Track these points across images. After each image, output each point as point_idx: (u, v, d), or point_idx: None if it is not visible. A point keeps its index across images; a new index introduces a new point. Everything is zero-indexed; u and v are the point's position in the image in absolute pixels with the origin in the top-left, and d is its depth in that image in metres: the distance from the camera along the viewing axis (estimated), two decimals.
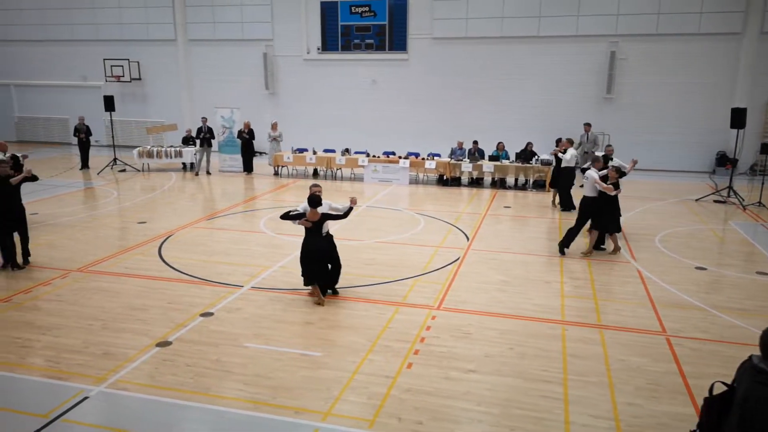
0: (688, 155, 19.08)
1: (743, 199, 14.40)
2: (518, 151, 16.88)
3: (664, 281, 8.93)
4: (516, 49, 19.80)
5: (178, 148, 18.89)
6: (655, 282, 8.91)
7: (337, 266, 8.12)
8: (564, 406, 5.51)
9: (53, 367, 6.15)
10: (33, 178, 9.54)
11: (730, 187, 14.79)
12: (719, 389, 3.47)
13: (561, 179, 13.61)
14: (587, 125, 16.88)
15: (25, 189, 15.55)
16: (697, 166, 19.11)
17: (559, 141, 14.46)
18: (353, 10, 21.05)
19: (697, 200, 14.80)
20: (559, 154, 13.59)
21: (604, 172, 10.40)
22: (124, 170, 18.72)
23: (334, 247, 8.11)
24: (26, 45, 24.79)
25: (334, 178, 18.14)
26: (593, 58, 19.19)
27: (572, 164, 13.39)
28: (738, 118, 14.27)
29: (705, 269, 9.57)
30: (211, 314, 7.52)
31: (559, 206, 13.78)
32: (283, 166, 18.42)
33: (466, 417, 5.33)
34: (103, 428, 5.14)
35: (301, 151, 18.39)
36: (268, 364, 6.25)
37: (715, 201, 14.69)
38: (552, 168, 14.99)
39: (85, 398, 5.55)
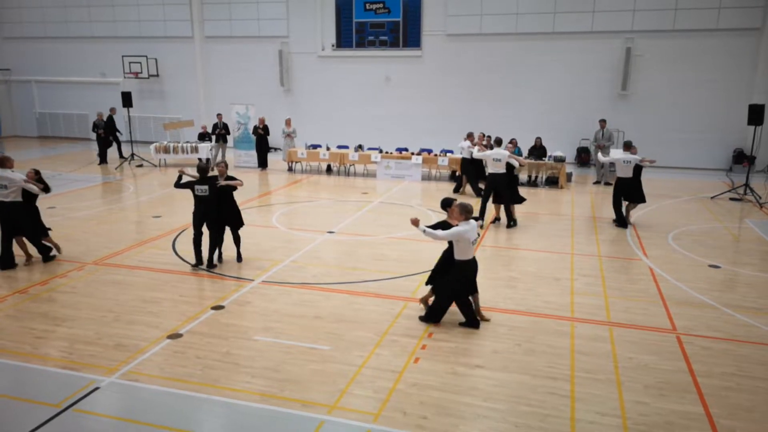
0: (704, 152, 18.81)
1: (760, 197, 14.18)
2: (530, 147, 16.82)
3: (677, 279, 8.84)
4: (530, 46, 19.66)
5: (194, 144, 19.07)
6: (666, 280, 8.83)
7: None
8: (571, 404, 5.50)
9: (66, 357, 6.28)
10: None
11: (746, 185, 14.57)
12: None
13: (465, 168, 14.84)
14: (602, 122, 16.74)
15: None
16: (714, 164, 18.84)
17: (470, 135, 15.30)
18: (367, 7, 21.06)
19: (712, 198, 14.61)
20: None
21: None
22: (141, 165, 18.97)
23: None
24: (47, 42, 25.17)
25: (347, 174, 18.19)
26: (609, 55, 18.99)
27: (467, 155, 14.71)
28: (755, 115, 14.05)
29: (719, 267, 9.46)
30: (222, 307, 7.61)
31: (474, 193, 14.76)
32: (296, 162, 18.51)
33: (472, 412, 5.35)
34: (114, 418, 5.25)
35: (315, 147, 18.48)
36: (277, 357, 6.32)
37: (731, 199, 14.49)
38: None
39: (97, 389, 5.66)
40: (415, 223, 6.87)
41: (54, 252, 9.56)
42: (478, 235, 6.97)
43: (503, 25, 19.68)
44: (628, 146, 12.00)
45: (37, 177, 9.21)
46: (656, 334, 6.98)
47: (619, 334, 6.96)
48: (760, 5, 17.43)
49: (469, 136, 15.42)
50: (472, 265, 7.01)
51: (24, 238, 9.24)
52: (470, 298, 7.16)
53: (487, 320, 7.27)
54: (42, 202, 13.42)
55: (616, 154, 12.82)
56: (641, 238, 11.11)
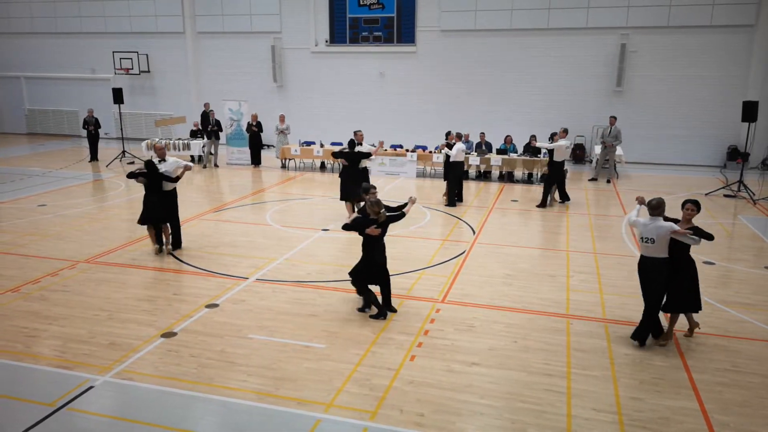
0: (698, 149, 18.89)
1: (754, 194, 14.25)
2: (525, 144, 16.81)
3: None
4: (525, 42, 19.64)
5: (186, 141, 18.94)
6: None
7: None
8: (567, 400, 5.50)
9: (59, 356, 6.22)
10: None
11: (740, 182, 14.64)
12: None
13: (450, 173, 13.56)
14: (612, 118, 16.67)
15: (35, 181, 15.77)
16: (708, 160, 18.91)
17: (448, 134, 14.39)
18: (361, 3, 20.96)
19: (706, 194, 14.65)
20: (445, 150, 13.69)
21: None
22: (132, 162, 18.80)
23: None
24: (36, 38, 24.91)
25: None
26: (603, 51, 19.00)
27: (460, 159, 13.53)
28: (749, 112, 14.09)
29: (713, 264, 9.50)
30: (216, 306, 7.56)
31: (446, 200, 13.63)
32: (290, 159, 18.43)
33: (468, 410, 5.34)
34: (108, 417, 5.20)
35: (309, 144, 18.40)
36: (272, 355, 6.29)
37: (725, 195, 14.55)
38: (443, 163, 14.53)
39: (91, 387, 5.61)
40: (641, 201, 6.88)
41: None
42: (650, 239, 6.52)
43: (497, 21, 19.65)
44: (566, 131, 13.53)
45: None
46: None
47: (615, 330, 6.98)
48: (754, 2, 17.49)
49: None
50: (641, 264, 6.56)
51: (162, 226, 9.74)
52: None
53: (690, 335, 6.82)
54: (33, 200, 13.38)
55: (560, 141, 13.33)
56: (636, 235, 11.12)
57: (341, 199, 11.95)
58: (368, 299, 7.39)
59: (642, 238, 6.52)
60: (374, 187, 7.70)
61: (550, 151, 13.35)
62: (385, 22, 20.93)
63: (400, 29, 20.85)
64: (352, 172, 11.82)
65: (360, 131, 12.39)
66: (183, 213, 12.34)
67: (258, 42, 22.21)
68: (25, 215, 12.07)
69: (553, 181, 13.36)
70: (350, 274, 7.48)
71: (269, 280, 8.52)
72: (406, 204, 7.69)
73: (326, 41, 21.69)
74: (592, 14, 18.83)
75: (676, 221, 6.63)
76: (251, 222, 11.89)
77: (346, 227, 7.29)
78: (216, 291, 8.08)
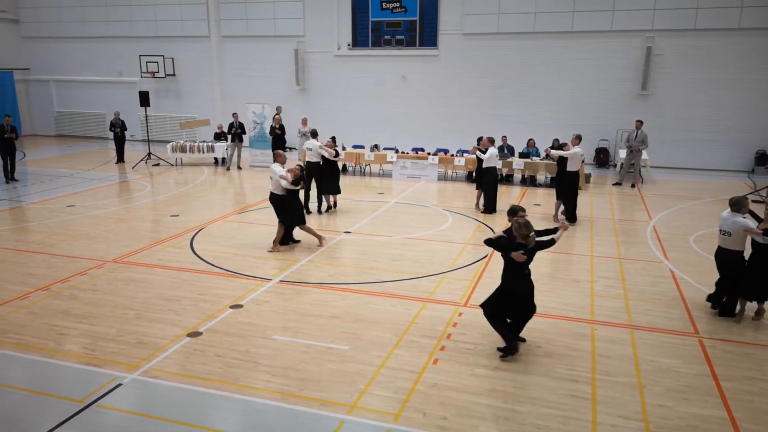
0: (726, 154, 18.54)
1: None
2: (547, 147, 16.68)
3: (698, 282, 8.72)
4: (549, 45, 19.52)
5: (210, 143, 19.18)
6: (688, 282, 8.72)
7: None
8: (592, 406, 5.46)
9: (89, 354, 6.36)
10: None
11: None
12: None
13: (484, 179, 12.96)
14: (638, 122, 16.43)
15: (64, 182, 16.10)
16: (736, 165, 18.56)
17: (480, 140, 13.81)
18: (384, 6, 21.03)
19: None
20: (477, 153, 12.97)
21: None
22: (158, 164, 19.12)
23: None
24: (65, 42, 25.45)
25: (362, 174, 18.20)
26: (628, 54, 18.78)
27: (492, 164, 12.78)
28: None
29: None
30: (241, 306, 7.65)
31: (482, 208, 13.08)
32: None
33: (492, 414, 5.32)
34: (136, 414, 5.29)
35: None
36: (296, 356, 6.34)
37: (754, 201, 14.24)
38: (475, 168, 13.90)
39: (119, 385, 5.72)
40: None
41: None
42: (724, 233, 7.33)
43: (521, 24, 19.55)
44: (579, 139, 12.16)
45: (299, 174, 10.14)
46: (678, 337, 6.90)
47: (640, 336, 6.89)
48: None
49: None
50: (718, 254, 7.47)
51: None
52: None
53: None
54: (61, 201, 13.68)
55: (575, 148, 12.07)
56: (662, 240, 10.99)
57: (337, 193, 13.03)
58: (506, 335, 6.34)
59: (720, 230, 7.31)
60: (523, 209, 6.72)
61: (564, 159, 12.28)
62: (407, 25, 20.97)
63: (422, 32, 20.87)
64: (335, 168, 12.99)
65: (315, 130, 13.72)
66: (207, 214, 12.56)
67: (281, 45, 22.41)
68: (54, 216, 12.35)
69: (571, 192, 12.06)
70: (483, 306, 6.54)
71: (292, 281, 8.60)
72: (556, 229, 6.72)
73: (348, 45, 21.80)
74: (617, 17, 18.64)
75: (760, 220, 7.33)
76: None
77: (489, 242, 6.39)
78: (240, 291, 8.17)
